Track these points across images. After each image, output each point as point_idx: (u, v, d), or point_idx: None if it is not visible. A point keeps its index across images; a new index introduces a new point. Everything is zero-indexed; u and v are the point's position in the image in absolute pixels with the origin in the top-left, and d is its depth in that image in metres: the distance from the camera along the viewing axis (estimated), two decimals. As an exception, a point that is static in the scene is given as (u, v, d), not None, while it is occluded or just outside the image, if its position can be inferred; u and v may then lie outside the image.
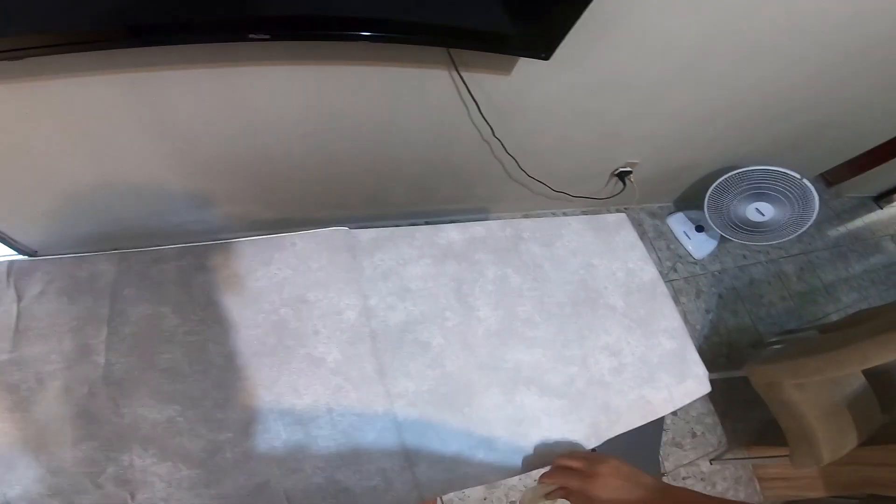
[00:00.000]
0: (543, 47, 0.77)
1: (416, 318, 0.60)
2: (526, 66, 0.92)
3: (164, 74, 0.76)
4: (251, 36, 0.64)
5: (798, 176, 1.44)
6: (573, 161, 1.35)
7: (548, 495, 0.53)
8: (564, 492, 0.52)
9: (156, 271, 0.57)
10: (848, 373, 1.32)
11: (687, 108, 1.19)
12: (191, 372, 0.53)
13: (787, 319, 1.87)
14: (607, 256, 0.76)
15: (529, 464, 0.57)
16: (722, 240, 1.81)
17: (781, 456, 1.43)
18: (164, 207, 1.15)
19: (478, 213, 1.58)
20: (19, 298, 0.55)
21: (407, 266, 0.63)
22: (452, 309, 0.62)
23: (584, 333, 0.67)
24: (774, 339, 1.78)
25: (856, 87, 1.28)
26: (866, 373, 1.41)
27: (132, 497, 0.47)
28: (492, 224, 0.71)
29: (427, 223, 1.51)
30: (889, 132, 1.67)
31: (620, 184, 1.52)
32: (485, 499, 1.28)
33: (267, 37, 0.65)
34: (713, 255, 1.85)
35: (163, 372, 0.53)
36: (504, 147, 1.14)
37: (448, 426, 0.56)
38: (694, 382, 0.72)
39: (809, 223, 1.48)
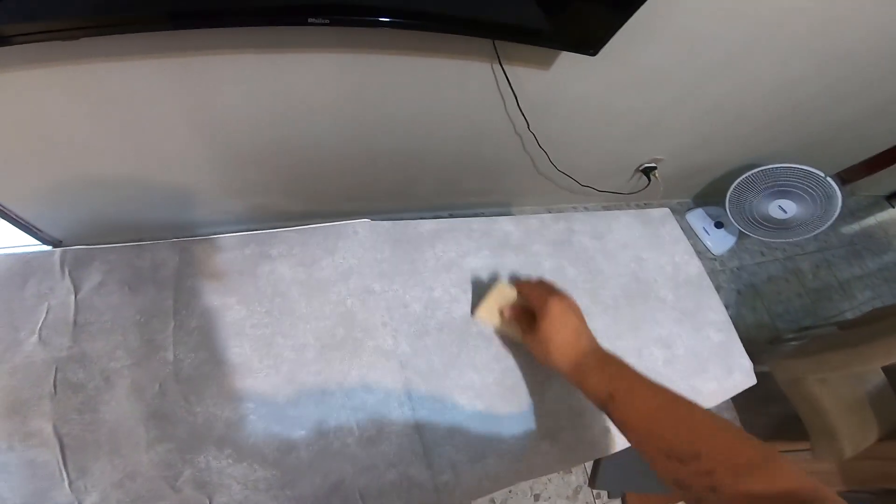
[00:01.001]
0: (592, 44, 0.78)
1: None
2: (566, 61, 0.93)
3: (211, 59, 0.76)
4: (310, 20, 0.63)
5: (822, 174, 1.45)
6: (601, 156, 1.36)
7: (504, 312, 0.56)
8: (518, 311, 0.55)
9: (219, 260, 0.57)
10: (872, 367, 1.35)
11: (717, 106, 1.20)
12: (261, 367, 0.52)
13: (803, 316, 1.89)
14: (655, 250, 0.77)
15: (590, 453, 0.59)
16: (740, 236, 1.83)
17: (801, 450, 1.45)
18: (195, 197, 1.15)
19: (500, 206, 1.58)
20: (76, 290, 0.53)
21: (467, 258, 0.64)
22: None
23: (637, 325, 0.68)
24: (791, 336, 1.80)
25: (880, 89, 1.29)
26: (886, 369, 1.44)
27: (210, 501, 0.47)
28: (545, 217, 0.72)
29: (451, 216, 1.52)
30: (906, 133, 1.68)
31: (645, 179, 1.53)
32: (510, 490, 1.30)
33: (326, 21, 0.64)
34: (732, 252, 1.87)
35: (233, 367, 0.52)
36: (537, 141, 1.15)
37: (514, 418, 0.57)
38: (741, 375, 0.73)
39: (831, 221, 1.50)
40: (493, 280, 0.59)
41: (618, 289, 0.70)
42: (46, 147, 0.88)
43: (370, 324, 0.56)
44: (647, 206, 1.86)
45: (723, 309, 0.78)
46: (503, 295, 0.56)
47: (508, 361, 0.59)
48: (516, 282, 0.56)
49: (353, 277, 0.58)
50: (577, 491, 1.39)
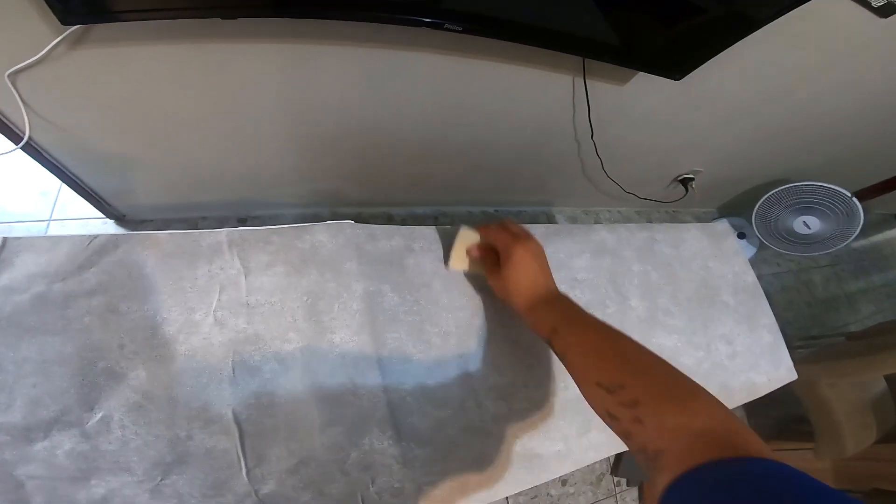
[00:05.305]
0: (679, 70, 0.92)
1: (584, 305, 0.73)
2: (641, 79, 1.06)
3: (324, 48, 0.84)
4: (447, 26, 0.73)
5: (849, 194, 1.63)
6: (648, 165, 1.51)
7: (471, 253, 0.63)
8: (485, 251, 0.61)
9: (371, 248, 0.65)
10: (882, 375, 1.55)
11: (764, 126, 1.36)
12: (415, 351, 0.60)
13: (811, 325, 2.10)
14: (719, 260, 0.92)
15: None
16: (760, 247, 2.02)
17: (803, 449, 1.66)
18: (266, 180, 1.25)
19: (542, 206, 1.72)
20: (246, 271, 0.57)
21: (573, 259, 0.77)
22: (611, 298, 0.77)
23: (706, 324, 0.84)
24: (799, 343, 2.01)
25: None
26: (887, 377, 1.65)
27: (373, 482, 0.51)
28: (631, 226, 0.86)
29: (496, 211, 1.65)
30: (926, 156, 1.87)
31: (681, 189, 1.69)
32: (542, 475, 1.46)
33: (460, 28, 0.74)
34: (751, 262, 2.05)
35: (391, 351, 0.59)
36: (596, 149, 1.28)
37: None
38: (785, 370, 0.90)
39: (851, 238, 1.68)
40: (458, 227, 0.64)
41: (691, 291, 0.85)
42: (142, 123, 0.96)
43: (498, 316, 0.68)
44: (676, 213, 2.02)
45: (772, 314, 0.94)
46: (468, 238, 0.62)
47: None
48: (480, 226, 0.61)
49: (480, 275, 0.70)
50: (600, 478, 1.57)
